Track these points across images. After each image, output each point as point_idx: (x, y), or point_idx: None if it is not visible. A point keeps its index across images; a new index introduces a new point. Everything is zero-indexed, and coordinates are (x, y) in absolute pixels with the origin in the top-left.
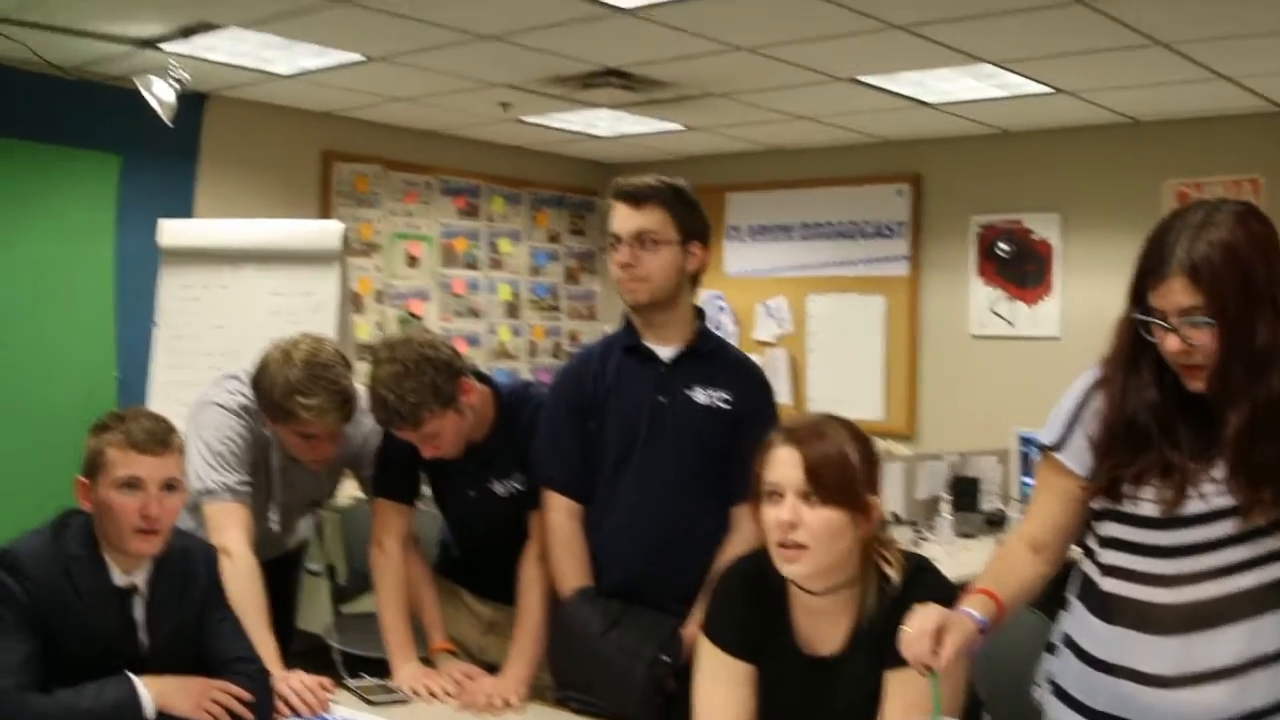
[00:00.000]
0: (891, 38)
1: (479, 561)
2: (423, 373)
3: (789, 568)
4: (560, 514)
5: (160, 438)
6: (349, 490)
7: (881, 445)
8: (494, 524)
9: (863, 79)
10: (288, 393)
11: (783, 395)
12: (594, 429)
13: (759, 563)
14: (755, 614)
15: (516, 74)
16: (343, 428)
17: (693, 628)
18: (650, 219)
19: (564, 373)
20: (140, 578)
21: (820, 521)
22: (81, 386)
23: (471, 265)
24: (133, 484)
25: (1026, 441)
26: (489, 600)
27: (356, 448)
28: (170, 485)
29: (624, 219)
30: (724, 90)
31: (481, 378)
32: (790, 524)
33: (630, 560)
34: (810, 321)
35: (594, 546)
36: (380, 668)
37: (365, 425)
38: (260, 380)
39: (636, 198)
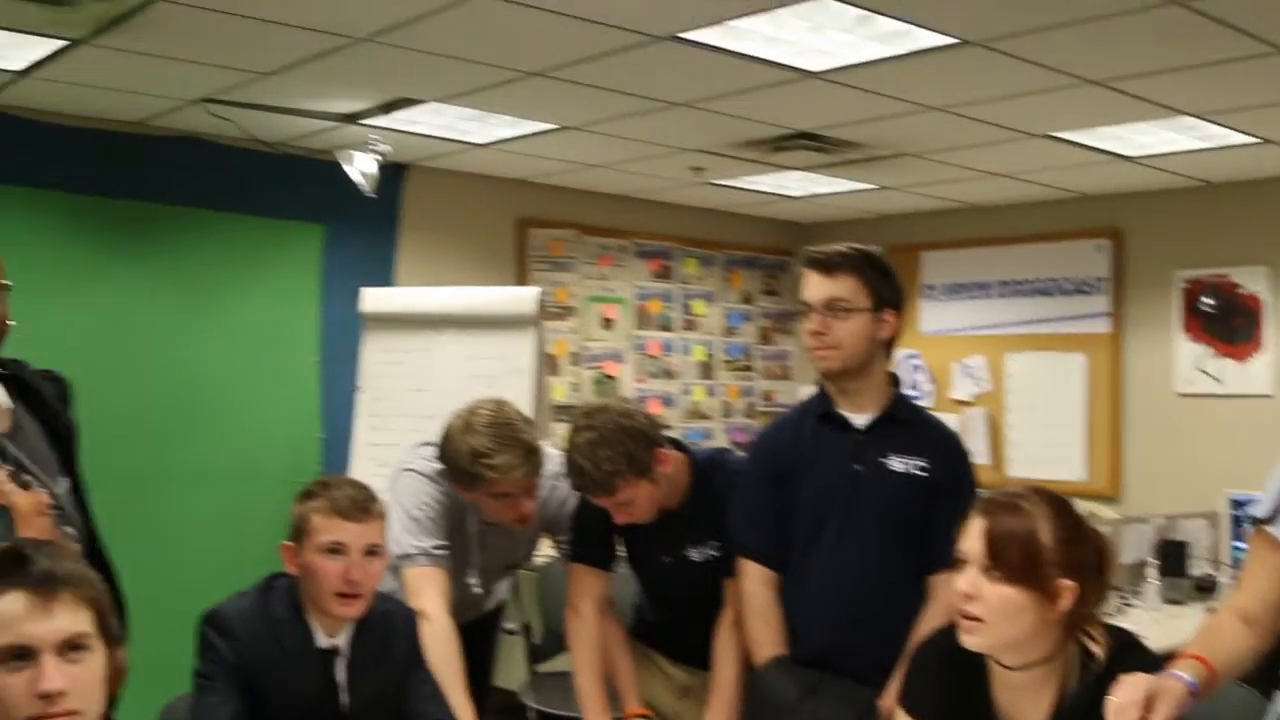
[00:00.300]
0: (1087, 93)
1: (674, 626)
2: (619, 442)
3: (965, 638)
4: (755, 582)
5: (362, 505)
6: (545, 549)
7: (1084, 508)
8: (689, 590)
9: (1058, 135)
10: (473, 458)
11: (981, 456)
12: (789, 497)
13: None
14: (954, 687)
15: (708, 139)
16: (535, 482)
17: (890, 699)
18: (842, 287)
19: (758, 440)
20: (343, 639)
21: (997, 598)
22: (287, 448)
23: (665, 327)
24: (336, 549)
25: (1238, 504)
26: (683, 665)
27: (553, 512)
28: (372, 551)
29: (815, 287)
30: (916, 150)
31: (677, 445)
32: (967, 595)
33: (826, 629)
34: (1009, 380)
35: (789, 615)
36: None
37: (561, 490)
38: (446, 451)
39: (828, 265)
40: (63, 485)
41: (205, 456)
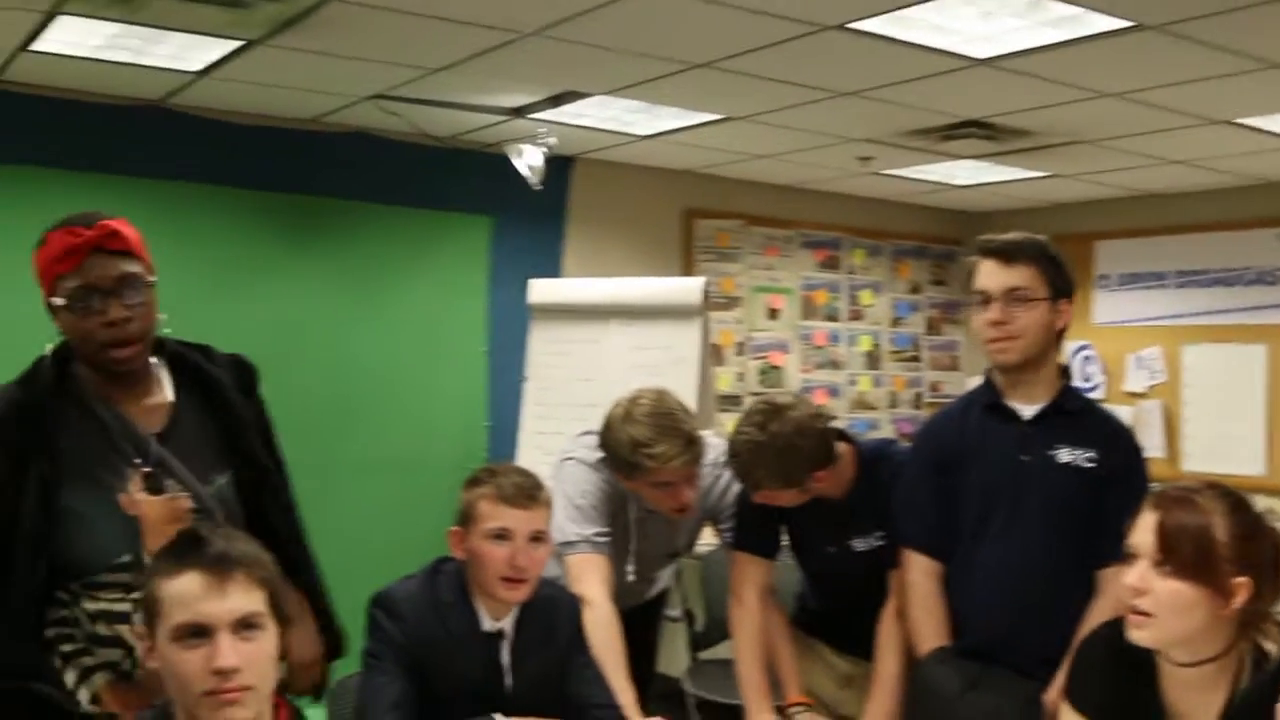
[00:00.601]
0: (1270, 77)
1: (837, 616)
2: (782, 458)
3: (1133, 633)
4: (919, 573)
5: (529, 492)
6: (707, 537)
7: (1263, 504)
8: (853, 580)
9: (1239, 121)
10: (633, 447)
11: (1155, 449)
12: (953, 488)
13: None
14: (1121, 683)
15: (876, 128)
16: (696, 471)
17: (1055, 694)
18: (1021, 276)
19: (923, 431)
20: (507, 623)
21: (1168, 593)
22: (455, 437)
23: (832, 317)
24: (502, 535)
25: None
26: (846, 654)
27: (714, 500)
28: (537, 537)
29: (994, 276)
30: (1090, 137)
31: (843, 436)
32: (1136, 590)
33: (990, 621)
34: (1185, 372)
35: (953, 606)
36: (735, 715)
37: (724, 479)
38: (607, 439)
39: (1007, 254)
40: (218, 481)
41: (375, 445)
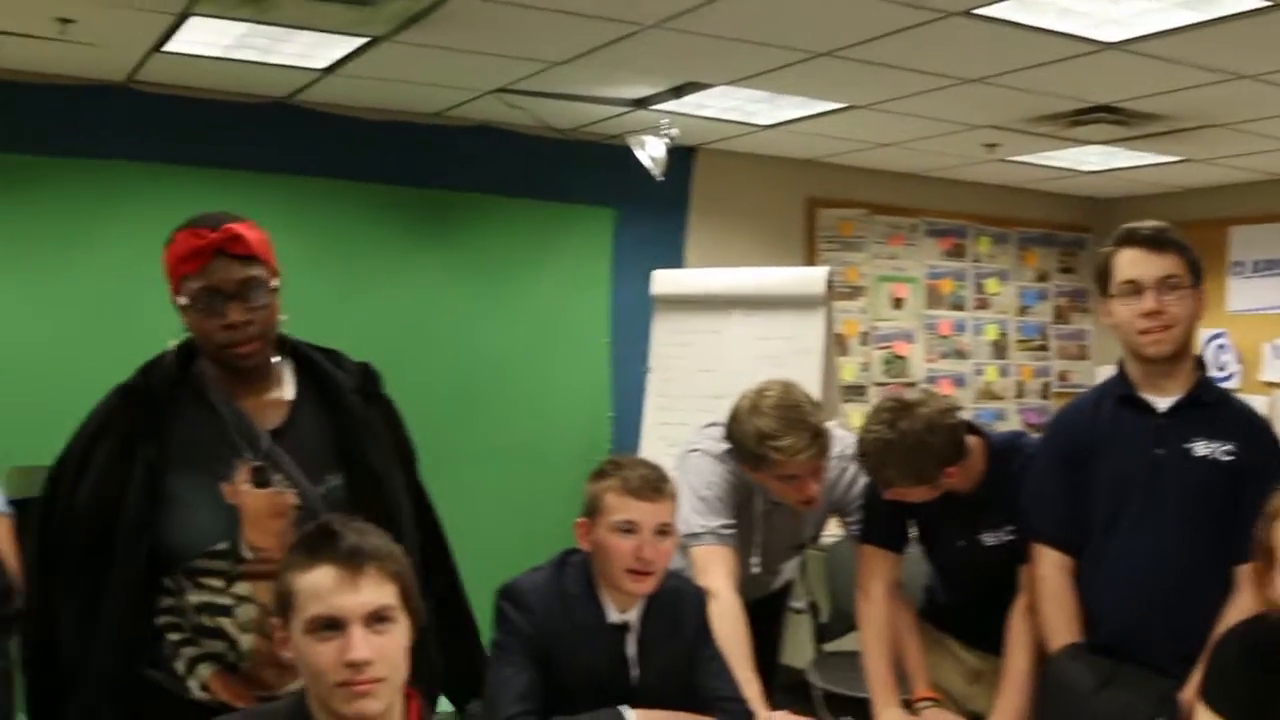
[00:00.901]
0: None
1: (965, 610)
2: (913, 457)
3: None
4: (1050, 567)
5: (655, 485)
6: (832, 528)
7: None
8: (982, 574)
9: None
10: (760, 439)
11: None
12: (1085, 481)
13: (1266, 628)
14: (1261, 682)
15: (1002, 115)
16: (822, 465)
17: (1190, 693)
18: (1173, 264)
19: (1054, 422)
20: (633, 615)
21: None
22: (579, 428)
23: (957, 306)
24: (628, 528)
25: None
26: (975, 649)
27: (840, 493)
28: (663, 530)
29: (1145, 265)
30: (1224, 120)
31: (973, 429)
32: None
33: (1123, 617)
34: None
35: (1085, 601)
36: (861, 708)
37: (850, 471)
38: (733, 431)
39: (1158, 242)
40: (330, 482)
41: (499, 437)
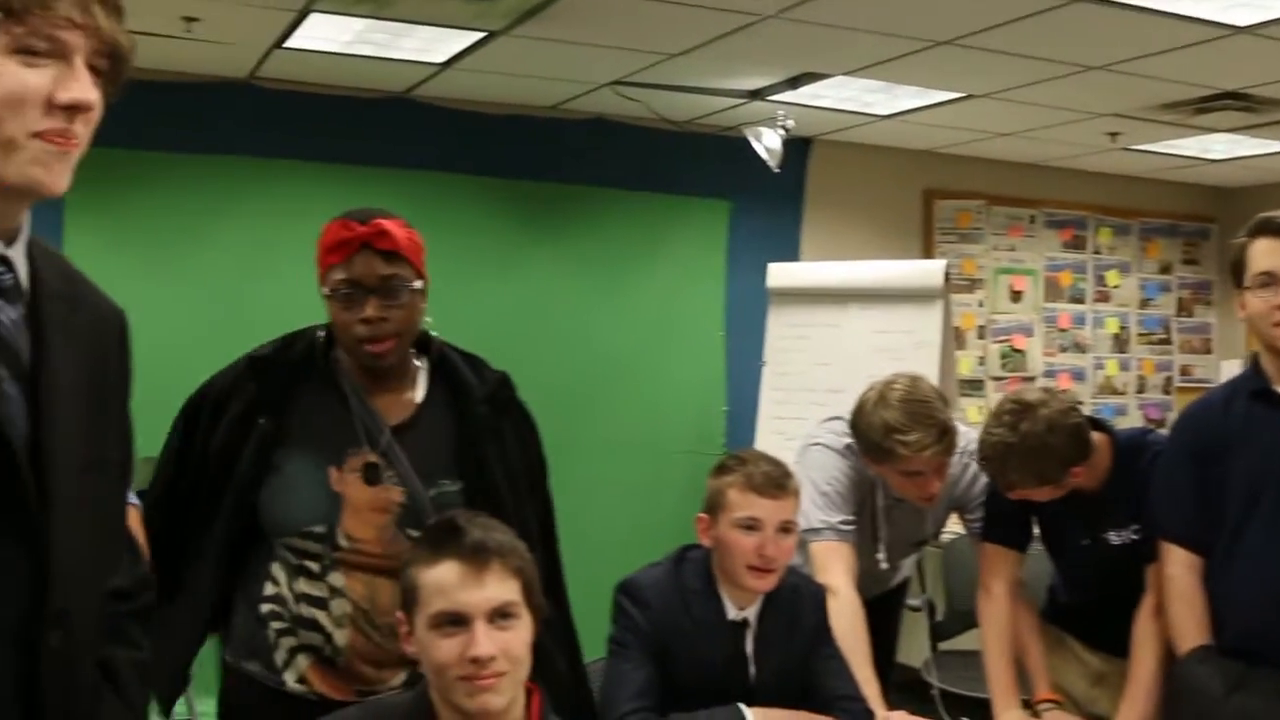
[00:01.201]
0: None
1: (1090, 610)
2: (1036, 459)
3: None
4: (1178, 566)
5: (778, 481)
6: (951, 525)
7: None
8: (1107, 573)
9: None
10: (886, 433)
11: None
12: (1215, 478)
13: None
14: None
15: (1125, 102)
16: (947, 462)
17: None
18: None
19: (1183, 419)
20: (752, 612)
21: None
22: (693, 421)
23: (1077, 299)
24: (751, 524)
25: None
26: (1099, 651)
27: (962, 489)
28: (786, 527)
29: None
30: None
31: (1098, 425)
32: None
33: (1255, 618)
34: None
35: (1215, 602)
36: (978, 708)
37: (972, 468)
38: (858, 423)
39: None
40: (445, 487)
41: (614, 429)
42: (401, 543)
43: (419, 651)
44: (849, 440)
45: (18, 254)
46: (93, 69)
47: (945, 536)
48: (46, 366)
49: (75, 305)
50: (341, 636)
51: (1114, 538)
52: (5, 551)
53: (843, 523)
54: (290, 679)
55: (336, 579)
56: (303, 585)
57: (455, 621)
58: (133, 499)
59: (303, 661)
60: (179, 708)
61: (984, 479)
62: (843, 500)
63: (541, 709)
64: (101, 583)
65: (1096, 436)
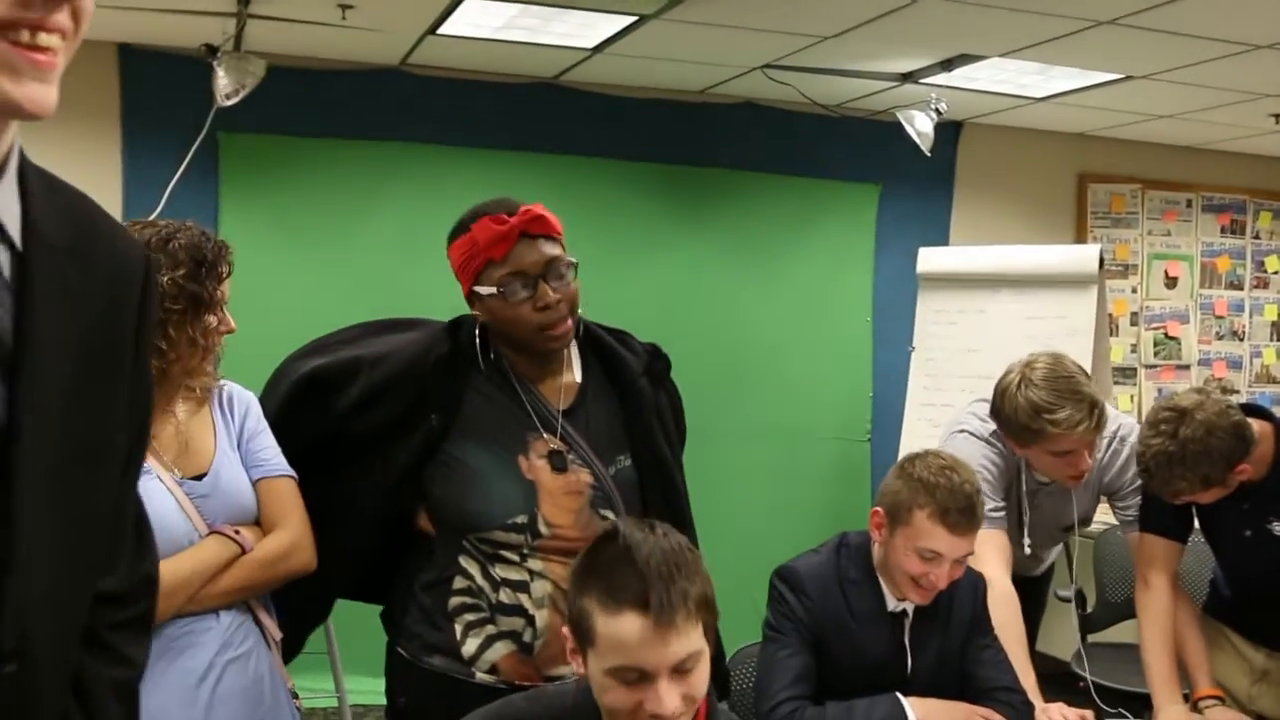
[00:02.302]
0: None
1: (1253, 605)
2: (1197, 464)
3: None
4: None
5: (970, 515)
6: (1102, 515)
7: None
8: (1271, 566)
9: None
10: (1034, 413)
11: None
12: None
13: None
14: None
15: None
16: (1096, 438)
17: None
18: None
19: None
20: (910, 603)
21: None
22: (839, 406)
23: (1235, 285)
24: (931, 556)
25: None
26: (1262, 646)
27: (1112, 476)
28: (963, 560)
29: None
30: None
31: (1261, 413)
32: None
33: None
34: None
35: None
36: (1128, 701)
37: (1122, 455)
38: (1002, 407)
39: None
40: (621, 463)
41: (759, 414)
42: (597, 523)
43: (592, 683)
44: (993, 426)
45: (3, 193)
46: None
47: (1096, 527)
48: (29, 340)
49: (82, 256)
50: (542, 618)
51: (1278, 528)
52: None
53: (994, 510)
54: (480, 670)
55: (535, 563)
56: (500, 571)
57: (639, 678)
58: (287, 470)
59: (499, 650)
60: (310, 681)
61: (1134, 465)
62: (992, 488)
63: (710, 711)
64: (80, 598)
65: (1257, 425)
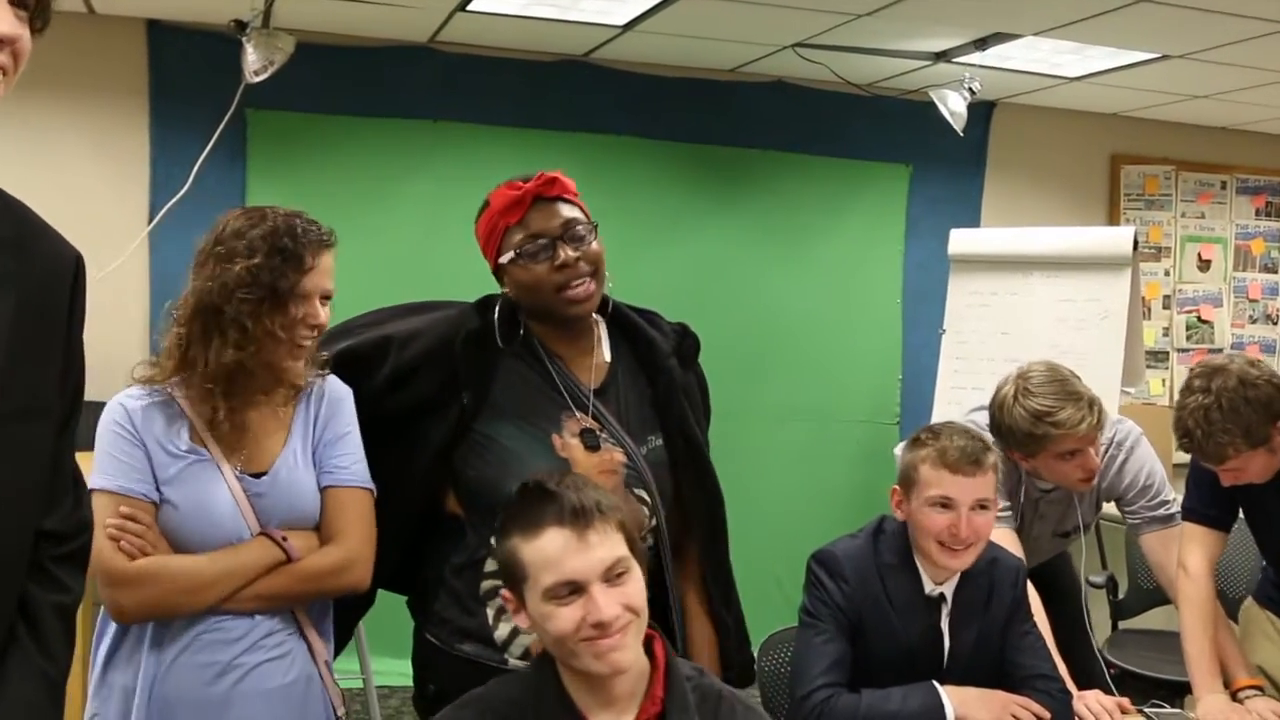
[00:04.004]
0: None
1: None
2: (1236, 414)
3: None
4: None
5: (974, 458)
6: None
7: None
8: None
9: None
10: (1037, 419)
11: None
12: None
13: None
14: None
15: None
16: (1099, 435)
17: None
18: None
19: None
20: (949, 587)
21: None
22: (867, 389)
23: (1269, 268)
24: (944, 503)
25: None
26: None
27: (1110, 478)
28: (982, 504)
29: None
30: None
31: None
32: None
33: None
34: None
35: None
36: (1158, 689)
37: (1120, 458)
38: (1003, 421)
39: None
40: (653, 442)
41: (788, 395)
42: (632, 503)
43: (534, 624)
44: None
45: None
46: (17, 2)
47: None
48: None
49: (16, 247)
50: None
51: None
52: None
53: (1002, 510)
54: (513, 656)
55: None
56: None
57: (571, 590)
58: (362, 482)
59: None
60: (335, 662)
61: (1134, 470)
62: (1003, 488)
63: (667, 653)
64: (24, 532)
65: None
